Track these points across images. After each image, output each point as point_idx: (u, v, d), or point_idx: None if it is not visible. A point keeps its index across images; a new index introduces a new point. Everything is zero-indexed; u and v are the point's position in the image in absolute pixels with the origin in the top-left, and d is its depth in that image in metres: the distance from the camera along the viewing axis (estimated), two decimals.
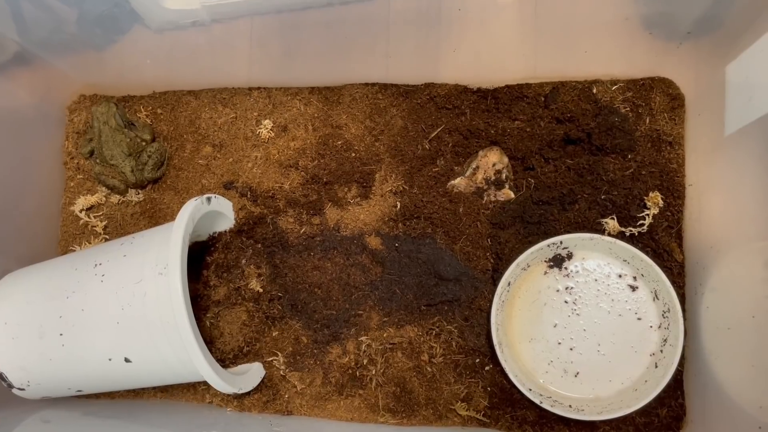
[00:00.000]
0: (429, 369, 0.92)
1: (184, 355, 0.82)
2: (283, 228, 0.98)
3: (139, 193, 1.06)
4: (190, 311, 0.80)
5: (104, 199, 1.07)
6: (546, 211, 0.93)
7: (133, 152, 1.03)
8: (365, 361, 0.92)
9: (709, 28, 0.82)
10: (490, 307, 0.91)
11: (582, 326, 0.92)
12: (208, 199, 0.93)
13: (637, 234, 0.90)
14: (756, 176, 0.73)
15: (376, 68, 1.01)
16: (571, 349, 0.92)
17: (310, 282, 0.96)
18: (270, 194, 0.99)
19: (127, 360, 0.85)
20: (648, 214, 0.89)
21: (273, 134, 1.02)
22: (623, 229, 0.90)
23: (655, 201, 0.88)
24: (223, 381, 0.84)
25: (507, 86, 0.98)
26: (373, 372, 0.92)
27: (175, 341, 0.82)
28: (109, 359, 0.86)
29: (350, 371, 0.93)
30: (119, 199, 1.07)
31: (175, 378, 0.89)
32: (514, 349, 0.93)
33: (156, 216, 1.05)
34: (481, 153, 0.98)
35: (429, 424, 0.91)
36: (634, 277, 0.91)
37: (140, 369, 0.86)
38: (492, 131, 0.99)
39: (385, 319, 0.94)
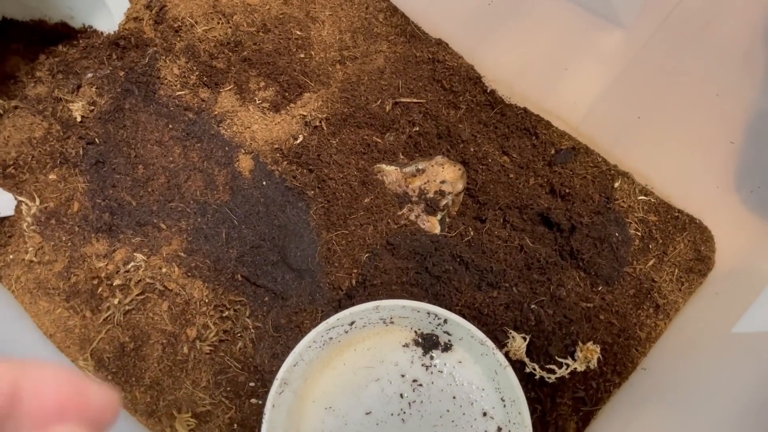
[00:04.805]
0: (185, 349, 0.64)
1: None
2: (160, 74, 0.71)
3: None
4: None
5: None
6: (456, 273, 0.65)
7: None
8: (117, 282, 0.64)
9: None
10: (308, 331, 0.63)
11: None
12: None
13: (538, 378, 0.61)
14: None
15: None
16: None
17: (140, 153, 0.69)
18: (177, 25, 0.72)
19: None
20: (568, 365, 0.60)
21: None
22: (526, 360, 0.61)
23: (587, 355, 0.60)
24: None
25: (525, 110, 0.71)
26: (116, 302, 0.64)
27: None
28: None
29: (95, 281, 0.65)
30: None
31: None
32: (301, 404, 0.64)
33: None
34: (438, 159, 0.70)
35: (132, 413, 0.63)
36: (500, 429, 0.63)
37: None
38: (472, 149, 0.71)
39: (183, 254, 0.66)
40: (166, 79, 0.71)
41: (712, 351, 0.52)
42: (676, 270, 0.65)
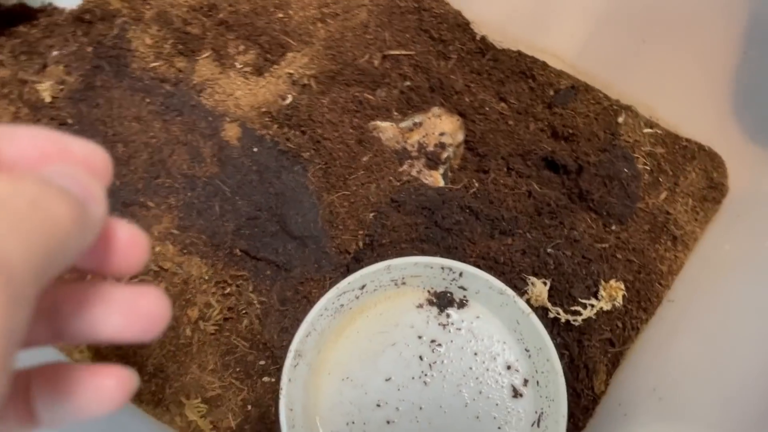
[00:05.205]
0: (187, 331, 0.60)
1: None
2: (131, 45, 0.67)
3: None
4: None
5: None
6: (467, 223, 0.62)
7: None
8: None
9: None
10: (317, 301, 0.60)
11: (420, 402, 0.60)
12: None
13: (563, 322, 0.59)
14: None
15: None
16: (388, 422, 0.60)
17: (118, 131, 0.64)
18: None
19: None
20: (593, 306, 0.58)
21: None
22: (549, 306, 0.59)
23: (612, 293, 0.58)
24: None
25: (519, 53, 0.69)
26: None
27: None
28: None
29: None
30: None
31: None
32: (316, 378, 0.61)
33: None
34: (435, 110, 0.67)
35: (137, 404, 0.59)
36: (526, 380, 0.60)
37: None
38: (467, 99, 0.69)
39: (176, 231, 0.62)
40: (138, 50, 0.67)
41: (744, 269, 0.50)
42: (690, 200, 0.63)
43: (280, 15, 0.69)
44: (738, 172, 0.61)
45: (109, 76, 0.66)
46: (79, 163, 0.22)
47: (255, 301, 0.62)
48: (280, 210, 0.63)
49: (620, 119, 0.66)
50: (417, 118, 0.67)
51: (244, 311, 0.62)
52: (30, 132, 0.22)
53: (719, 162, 0.63)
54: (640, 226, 0.63)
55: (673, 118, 0.64)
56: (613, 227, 0.64)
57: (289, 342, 0.61)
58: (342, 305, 0.61)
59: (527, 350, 0.60)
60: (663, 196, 0.64)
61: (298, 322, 0.62)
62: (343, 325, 0.62)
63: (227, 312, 0.61)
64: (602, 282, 0.58)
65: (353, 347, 0.62)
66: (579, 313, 0.57)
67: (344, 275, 0.63)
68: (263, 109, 0.64)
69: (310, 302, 0.62)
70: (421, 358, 0.62)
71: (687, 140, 0.65)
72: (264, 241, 0.63)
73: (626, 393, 0.54)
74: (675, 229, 0.62)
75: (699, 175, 0.63)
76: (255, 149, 0.64)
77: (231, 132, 0.65)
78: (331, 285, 0.62)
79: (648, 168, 0.64)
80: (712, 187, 0.63)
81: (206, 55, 0.67)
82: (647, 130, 0.65)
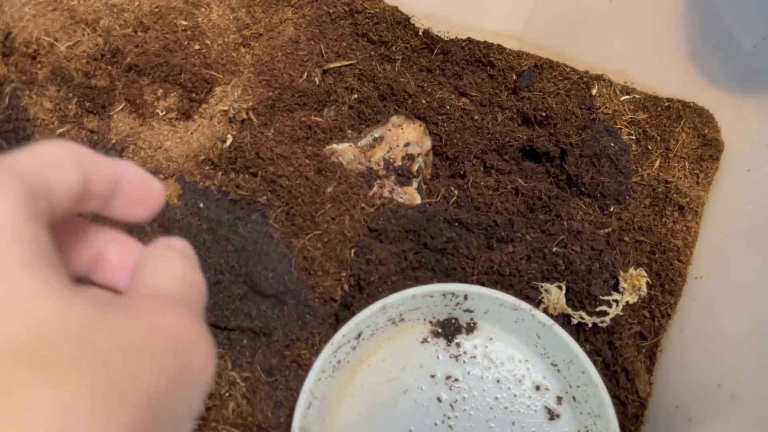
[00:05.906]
0: None
1: None
2: (29, 114, 0.56)
3: None
4: None
5: None
6: (460, 238, 0.55)
7: None
8: None
9: None
10: (309, 363, 0.51)
11: None
12: None
13: (590, 326, 0.52)
14: None
15: None
16: None
17: None
18: (32, 50, 0.57)
19: None
20: (617, 301, 0.52)
21: None
22: (570, 311, 0.52)
23: (634, 283, 0.52)
24: None
25: (469, 40, 0.62)
26: None
27: None
28: None
29: None
30: None
31: None
32: None
33: None
34: (394, 119, 0.60)
35: None
36: (560, 398, 0.54)
37: None
38: (423, 101, 0.62)
39: None
40: (38, 118, 0.56)
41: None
42: (686, 163, 0.58)
43: (197, 47, 0.60)
44: (731, 125, 0.57)
45: (9, 152, 0.55)
46: (156, 199, 0.26)
47: (237, 379, 0.53)
48: (245, 268, 0.54)
49: (594, 91, 0.60)
50: (376, 133, 0.59)
51: (227, 394, 0.52)
52: (132, 167, 0.25)
53: (708, 117, 0.59)
54: (640, 201, 0.58)
55: (649, 79, 0.59)
56: (612, 208, 0.58)
57: (287, 418, 0.52)
58: (339, 361, 0.53)
59: (554, 364, 0.54)
60: (657, 164, 0.58)
61: (292, 392, 0.54)
62: (345, 383, 0.54)
63: (208, 400, 0.52)
64: (620, 272, 0.52)
65: (361, 405, 0.54)
66: (605, 313, 0.51)
67: (334, 327, 0.55)
68: (201, 157, 0.55)
69: (302, 366, 0.54)
70: (439, 399, 0.54)
71: (668, 100, 0.60)
72: (233, 308, 0.54)
73: (682, 392, 0.48)
74: (678, 197, 0.57)
75: (689, 134, 0.58)
76: (201, 204, 0.55)
77: (168, 190, 0.55)
78: (322, 342, 0.54)
79: (634, 137, 0.59)
80: (706, 144, 0.58)
81: (120, 108, 0.57)
82: (625, 97, 0.60)
